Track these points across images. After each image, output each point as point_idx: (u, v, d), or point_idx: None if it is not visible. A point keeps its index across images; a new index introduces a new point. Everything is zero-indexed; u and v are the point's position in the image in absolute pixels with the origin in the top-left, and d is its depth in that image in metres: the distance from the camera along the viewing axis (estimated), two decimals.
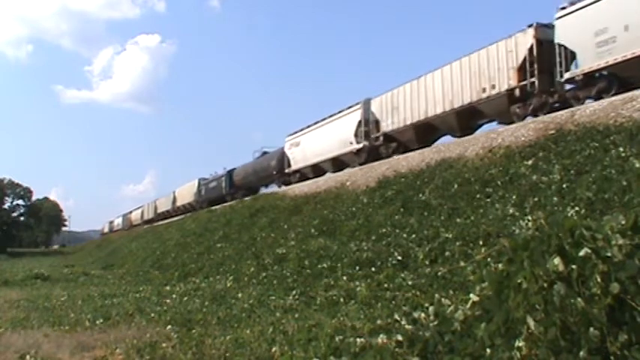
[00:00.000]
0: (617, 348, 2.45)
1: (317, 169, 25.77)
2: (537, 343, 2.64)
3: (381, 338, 3.79)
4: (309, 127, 26.68)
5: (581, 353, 2.50)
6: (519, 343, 2.69)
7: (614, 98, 11.62)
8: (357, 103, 22.33)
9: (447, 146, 15.70)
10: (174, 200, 49.34)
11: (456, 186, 12.10)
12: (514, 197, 9.96)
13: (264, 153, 33.26)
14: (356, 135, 21.94)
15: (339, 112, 23.82)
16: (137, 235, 45.21)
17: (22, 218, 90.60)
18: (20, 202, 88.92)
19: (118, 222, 78.76)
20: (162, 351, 6.31)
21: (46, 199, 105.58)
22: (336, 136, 23.48)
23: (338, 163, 23.92)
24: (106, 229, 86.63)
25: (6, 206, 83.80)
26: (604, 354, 2.48)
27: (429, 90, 18.23)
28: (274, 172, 29.65)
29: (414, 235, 10.86)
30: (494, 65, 15.77)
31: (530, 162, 11.10)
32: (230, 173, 36.44)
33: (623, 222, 2.79)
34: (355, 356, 3.91)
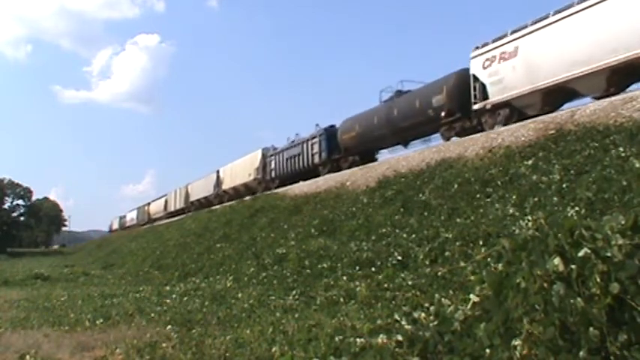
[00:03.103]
0: (617, 348, 2.45)
1: (556, 95, 14.45)
2: (537, 343, 2.64)
3: (381, 338, 3.78)
4: (535, 22, 14.68)
5: (581, 353, 2.50)
6: (516, 342, 2.69)
7: (614, 98, 11.62)
8: None
9: (447, 146, 15.70)
10: (219, 183, 36.74)
11: (456, 186, 12.10)
12: (514, 197, 9.96)
13: (400, 93, 21.03)
14: None
15: None
16: (137, 234, 45.13)
17: (22, 218, 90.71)
18: (20, 202, 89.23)
19: (131, 217, 67.61)
20: (162, 351, 6.31)
21: (46, 199, 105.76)
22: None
23: (626, 74, 12.59)
24: (115, 226, 78.36)
25: (6, 206, 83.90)
26: (604, 354, 2.48)
27: None
28: (441, 115, 17.56)
29: (414, 235, 10.86)
30: None
31: (530, 162, 11.10)
32: (330, 132, 24.75)
33: (623, 222, 2.79)
34: (355, 356, 3.90)
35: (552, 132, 11.91)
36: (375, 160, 22.28)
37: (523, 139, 12.60)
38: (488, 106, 15.98)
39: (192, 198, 41.86)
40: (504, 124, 14.82)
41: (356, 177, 18.76)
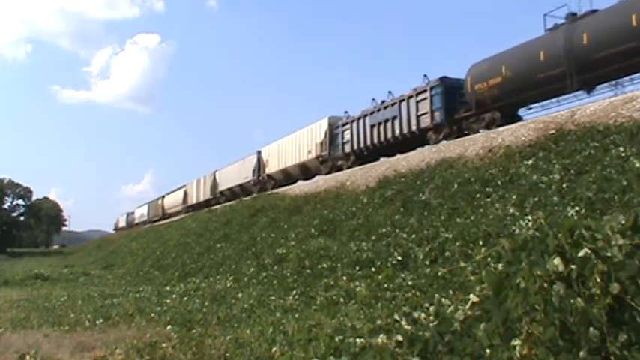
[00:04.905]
0: (617, 348, 2.44)
1: None
2: (536, 343, 2.64)
3: (381, 338, 3.79)
4: None
5: (581, 353, 2.50)
6: (516, 342, 2.69)
7: (614, 98, 11.63)
8: None
9: (447, 146, 15.69)
10: (260, 166, 29.56)
11: (456, 186, 12.10)
12: (514, 197, 9.96)
13: (573, 16, 14.02)
14: None
15: None
16: (137, 234, 45.09)
17: (22, 218, 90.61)
18: (20, 202, 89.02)
19: (141, 213, 60.02)
20: (162, 351, 6.31)
21: (46, 199, 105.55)
22: None
23: None
24: (122, 224, 71.54)
25: (6, 206, 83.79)
26: (604, 354, 2.48)
27: None
28: None
29: (414, 235, 10.86)
30: None
31: (530, 162, 11.11)
32: (448, 83, 17.71)
33: (623, 222, 2.78)
34: (355, 356, 3.90)
35: (552, 132, 11.92)
36: (519, 119, 16.00)
37: (523, 139, 12.61)
38: None
39: (222, 187, 34.70)
40: None
41: (356, 177, 18.76)
